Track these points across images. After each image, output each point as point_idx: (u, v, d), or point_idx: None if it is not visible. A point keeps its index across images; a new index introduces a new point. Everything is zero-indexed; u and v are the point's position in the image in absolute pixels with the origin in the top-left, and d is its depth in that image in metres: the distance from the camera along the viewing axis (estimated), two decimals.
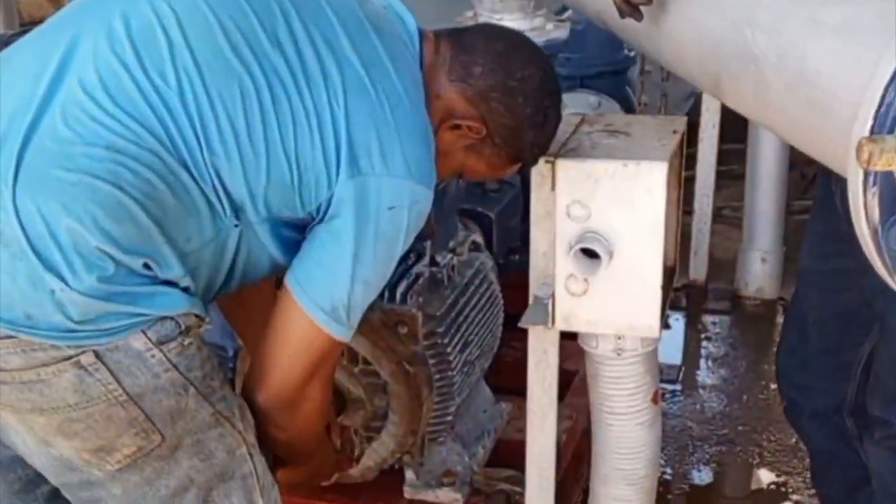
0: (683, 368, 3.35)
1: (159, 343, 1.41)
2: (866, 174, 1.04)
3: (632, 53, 3.71)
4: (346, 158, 1.46)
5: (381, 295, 2.14)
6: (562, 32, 3.07)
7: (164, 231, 1.39)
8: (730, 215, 4.23)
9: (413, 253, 2.28)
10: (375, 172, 1.47)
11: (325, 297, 1.51)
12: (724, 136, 3.65)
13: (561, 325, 1.88)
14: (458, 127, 1.62)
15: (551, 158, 1.79)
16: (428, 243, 2.30)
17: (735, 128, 3.46)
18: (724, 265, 3.93)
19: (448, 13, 3.24)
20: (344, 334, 1.55)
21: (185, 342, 1.44)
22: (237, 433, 1.51)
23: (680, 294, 3.72)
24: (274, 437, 1.62)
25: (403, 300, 2.14)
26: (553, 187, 1.80)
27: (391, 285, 2.14)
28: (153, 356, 1.41)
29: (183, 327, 1.44)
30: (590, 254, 1.80)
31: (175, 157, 1.39)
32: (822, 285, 2.03)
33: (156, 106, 1.38)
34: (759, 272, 3.72)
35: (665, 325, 1.95)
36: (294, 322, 1.52)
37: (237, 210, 1.47)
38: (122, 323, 1.38)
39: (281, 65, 1.45)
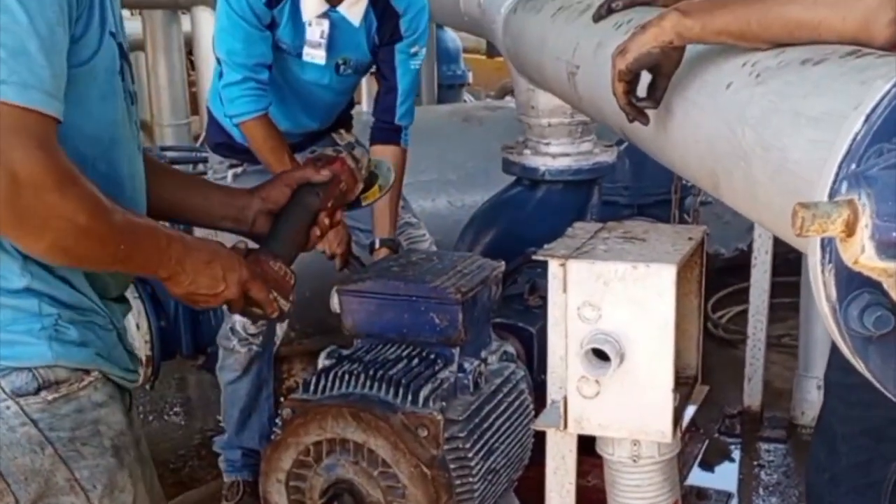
0: (735, 496, 3.27)
1: (16, 394, 1.32)
2: (823, 251, 1.05)
3: (690, 183, 3.75)
4: None
5: (404, 398, 2.17)
6: (609, 157, 3.13)
7: None
8: (789, 343, 4.16)
9: (440, 359, 2.30)
10: None
11: None
12: (783, 269, 3.64)
13: (574, 427, 1.87)
14: None
15: (564, 260, 1.81)
16: (457, 350, 2.32)
17: (792, 260, 3.46)
18: (784, 394, 3.86)
19: (501, 143, 3.34)
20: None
21: (50, 398, 1.33)
22: None
23: (735, 421, 3.67)
24: (41, 251, 1.32)
25: (426, 404, 2.15)
26: (565, 289, 1.81)
27: (415, 389, 2.16)
28: (8, 408, 1.32)
29: (42, 381, 1.33)
30: (601, 355, 1.80)
31: None
32: (849, 399, 2.00)
33: None
34: (816, 400, 3.63)
35: (726, 455, 1.92)
36: None
37: None
38: None
39: None
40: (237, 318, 3.02)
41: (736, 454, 3.60)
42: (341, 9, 2.77)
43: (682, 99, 1.61)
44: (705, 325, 4.24)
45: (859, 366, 1.09)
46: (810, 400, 3.64)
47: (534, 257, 1.92)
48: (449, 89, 7.75)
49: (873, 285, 1.02)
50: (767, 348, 3.72)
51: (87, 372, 1.37)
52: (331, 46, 2.79)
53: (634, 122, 1.73)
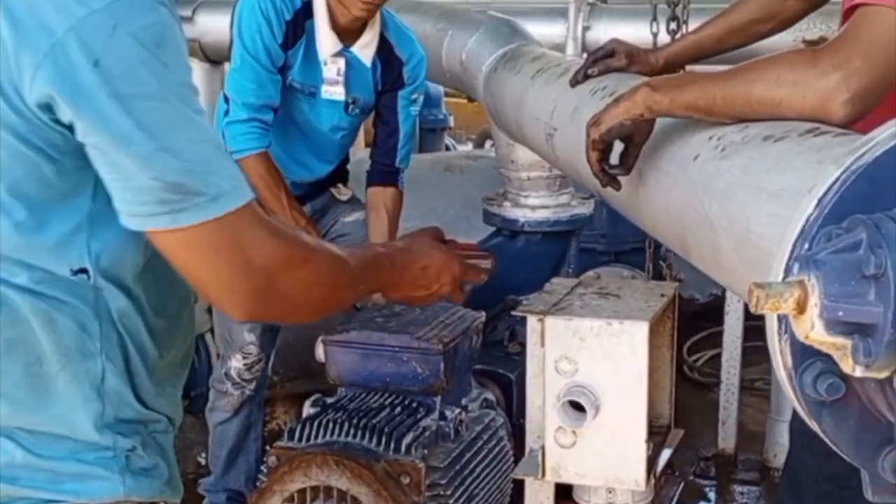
0: None
1: None
2: (779, 323, 1.13)
3: None
4: None
5: (387, 445, 2.24)
6: (586, 209, 3.23)
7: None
8: (762, 387, 4.25)
9: (422, 407, 2.38)
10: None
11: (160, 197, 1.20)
12: (756, 314, 3.71)
13: (551, 476, 1.95)
14: None
15: (542, 316, 1.90)
16: (438, 398, 2.40)
17: None
18: (758, 436, 3.94)
19: (481, 192, 3.44)
20: (219, 205, 1.22)
21: None
22: None
23: (710, 463, 3.75)
24: (306, 319, 1.43)
25: (408, 451, 2.23)
26: (542, 343, 1.90)
27: (398, 437, 2.23)
28: None
29: None
30: (578, 407, 1.89)
31: None
32: (812, 448, 2.07)
33: None
34: (787, 443, 3.72)
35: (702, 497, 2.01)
36: (179, 244, 1.24)
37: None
38: None
39: None
40: (233, 363, 3.11)
41: (711, 496, 3.67)
42: (354, 49, 2.89)
43: (652, 168, 1.71)
44: (681, 369, 4.34)
45: (814, 427, 1.18)
46: (782, 443, 3.71)
47: (513, 313, 2.01)
48: (430, 133, 7.84)
49: (826, 354, 1.11)
50: (741, 392, 3.80)
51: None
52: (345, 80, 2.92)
53: (611, 193, 1.83)
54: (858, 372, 0.99)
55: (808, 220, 1.12)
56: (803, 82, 1.47)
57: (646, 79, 2.00)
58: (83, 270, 1.26)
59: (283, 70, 2.86)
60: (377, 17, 2.88)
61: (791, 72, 1.50)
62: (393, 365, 2.42)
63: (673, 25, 3.01)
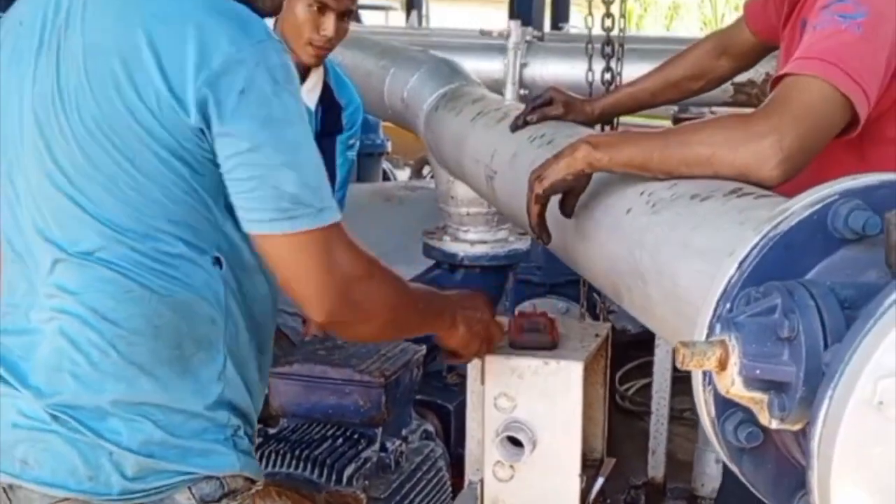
0: None
1: (203, 501, 1.51)
2: (703, 376, 1.24)
3: None
4: None
5: (328, 477, 2.31)
6: (523, 244, 3.33)
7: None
8: (690, 418, 4.38)
9: (364, 438, 2.46)
10: None
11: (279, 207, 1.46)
12: None
13: None
14: None
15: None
16: (379, 430, 2.48)
17: None
18: (686, 466, 4.06)
19: (421, 227, 3.52)
20: (323, 217, 1.48)
21: None
22: None
23: (640, 491, 3.86)
24: (371, 332, 1.70)
25: (350, 482, 2.31)
26: (483, 381, 1.99)
27: (339, 468, 2.31)
28: None
29: (227, 489, 1.53)
30: (515, 442, 1.98)
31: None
32: (739, 479, 2.18)
33: None
34: (715, 473, 3.85)
35: None
36: (287, 247, 1.49)
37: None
38: (171, 481, 1.50)
39: None
40: None
41: None
42: (304, 90, 2.93)
43: (588, 219, 1.81)
44: (613, 398, 4.45)
45: (735, 471, 1.28)
46: (710, 472, 3.85)
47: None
48: (368, 158, 7.91)
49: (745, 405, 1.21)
50: (670, 421, 3.93)
51: (254, 482, 1.58)
52: None
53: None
54: (774, 424, 1.08)
55: (729, 282, 1.22)
56: (736, 145, 1.57)
57: (584, 131, 2.11)
58: (218, 260, 1.53)
59: None
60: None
61: (725, 135, 1.60)
62: (335, 397, 2.49)
63: (607, 76, 3.13)
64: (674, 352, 1.14)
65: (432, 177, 7.91)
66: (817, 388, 1.01)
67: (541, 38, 4.06)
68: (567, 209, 1.83)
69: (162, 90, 1.41)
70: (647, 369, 4.60)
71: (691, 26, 16.35)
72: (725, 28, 2.23)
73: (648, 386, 4.29)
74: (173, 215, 1.48)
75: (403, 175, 8.90)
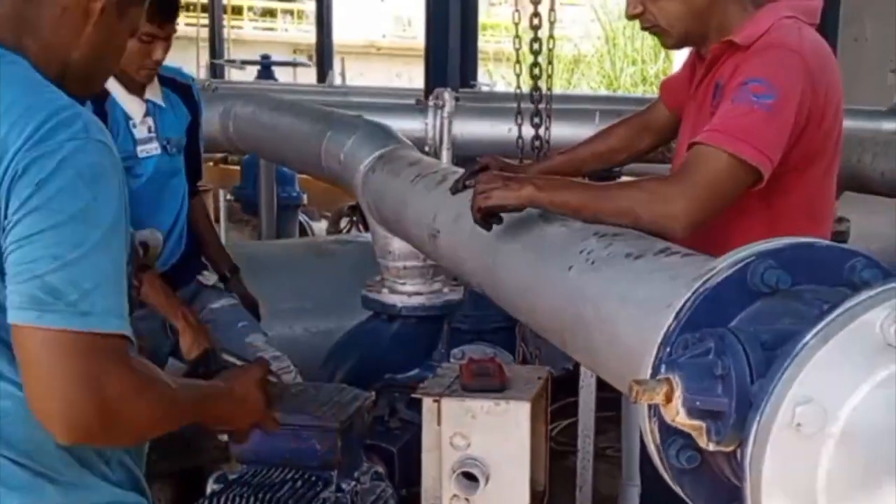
0: None
1: None
2: (650, 409, 1.46)
3: None
4: None
5: None
6: (457, 295, 3.56)
7: None
8: (612, 455, 4.63)
9: (320, 481, 2.64)
10: None
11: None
12: (606, 385, 4.08)
13: None
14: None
15: (438, 398, 2.20)
16: (335, 472, 2.66)
17: None
18: (611, 500, 4.28)
19: (360, 280, 3.73)
20: (86, 321, 1.39)
21: None
22: None
23: None
24: (131, 443, 1.58)
25: None
26: (439, 422, 2.20)
27: None
28: None
29: None
30: (470, 477, 2.19)
31: None
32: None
33: None
34: None
35: None
36: (37, 343, 1.39)
37: None
38: None
39: None
40: None
41: None
42: (149, 97, 3.15)
43: (532, 275, 2.04)
44: None
45: (679, 491, 1.51)
46: None
47: (413, 395, 2.30)
48: (285, 210, 8.09)
49: (684, 432, 1.44)
50: (594, 459, 4.16)
51: None
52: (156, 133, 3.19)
53: (493, 287, 2.16)
54: (711, 447, 1.31)
55: (668, 329, 1.46)
56: (652, 205, 1.91)
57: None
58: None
59: None
60: None
61: (643, 194, 1.93)
62: (293, 442, 2.67)
63: (537, 143, 3.39)
64: (629, 388, 1.37)
65: (349, 230, 8.16)
66: (746, 416, 1.25)
67: (457, 99, 4.33)
68: (500, 220, 2.08)
69: None
70: (567, 410, 4.84)
71: (591, 81, 16.88)
72: (645, 108, 2.54)
73: (570, 426, 4.53)
74: None
75: (320, 226, 9.06)
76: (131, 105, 3.11)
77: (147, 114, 3.14)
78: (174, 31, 3.02)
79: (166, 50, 3.01)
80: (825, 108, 2.08)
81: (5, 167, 1.40)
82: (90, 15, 1.54)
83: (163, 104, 3.19)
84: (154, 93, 3.18)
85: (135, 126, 3.12)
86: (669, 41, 2.25)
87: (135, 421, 1.45)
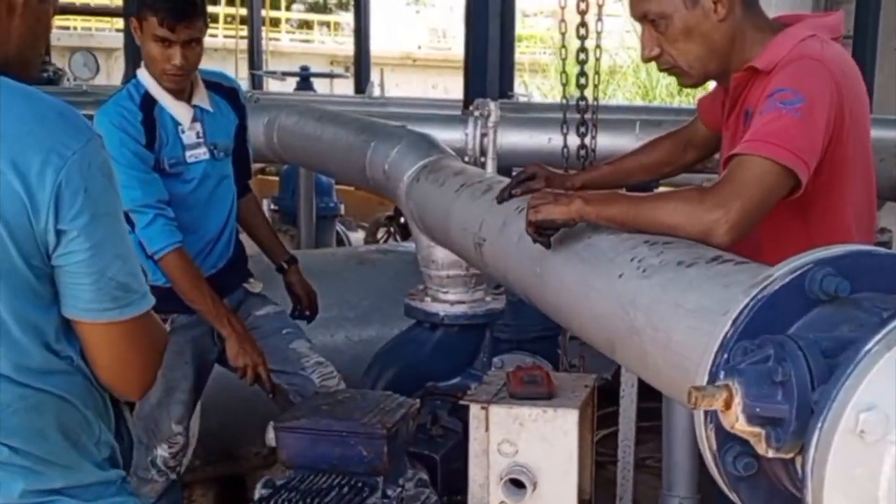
0: None
1: None
2: (706, 415, 1.47)
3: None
4: None
5: None
6: (499, 304, 3.57)
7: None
8: (652, 465, 4.62)
9: (367, 487, 2.66)
10: None
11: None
12: (647, 394, 4.09)
13: None
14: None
15: (486, 405, 2.21)
16: (381, 478, 2.68)
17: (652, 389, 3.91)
18: None
19: (401, 289, 3.75)
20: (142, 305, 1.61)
21: None
22: None
23: None
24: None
25: None
26: (487, 429, 2.22)
27: None
28: None
29: None
30: (518, 484, 2.20)
31: None
32: None
33: None
34: None
35: None
36: (119, 334, 1.60)
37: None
38: None
39: None
40: (160, 452, 3.29)
41: None
42: (196, 102, 3.20)
43: (581, 283, 2.05)
44: None
45: (734, 498, 1.51)
46: None
47: (461, 402, 2.32)
48: (322, 220, 8.13)
49: (740, 439, 1.45)
50: (634, 469, 4.16)
51: None
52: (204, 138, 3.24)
53: (541, 295, 2.18)
54: (771, 454, 1.32)
55: (725, 336, 1.46)
56: (694, 214, 1.92)
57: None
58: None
59: (156, 168, 3.12)
60: None
61: (686, 205, 1.95)
62: (340, 448, 2.69)
63: (582, 152, 3.40)
64: (687, 394, 1.37)
65: (386, 240, 8.19)
66: (807, 423, 1.25)
67: None
68: (546, 242, 2.11)
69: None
70: (606, 420, 4.84)
71: (627, 91, 16.86)
72: (689, 123, 2.55)
73: (609, 436, 4.53)
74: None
75: (356, 236, 9.10)
76: (179, 110, 3.15)
77: (195, 119, 3.19)
78: (194, 38, 3.05)
79: (188, 57, 3.05)
80: (853, 115, 2.09)
81: (49, 181, 1.49)
82: (14, 8, 1.61)
83: (210, 109, 3.24)
84: (201, 98, 3.23)
85: (183, 132, 3.17)
86: (689, 81, 2.25)
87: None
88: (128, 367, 1.63)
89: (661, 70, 2.27)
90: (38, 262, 1.52)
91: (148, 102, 3.12)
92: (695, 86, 2.32)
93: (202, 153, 3.21)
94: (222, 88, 3.34)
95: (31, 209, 1.48)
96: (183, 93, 3.17)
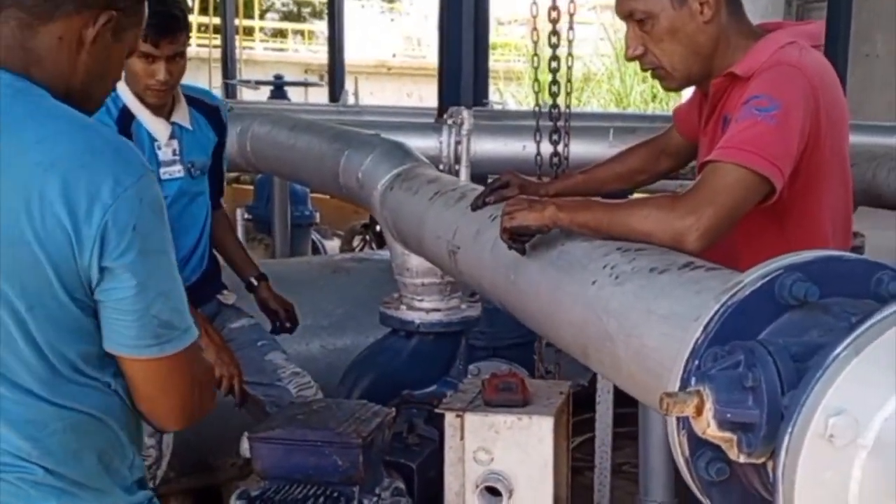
0: None
1: None
2: (678, 421, 1.48)
3: None
4: None
5: None
6: (474, 311, 3.57)
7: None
8: (629, 471, 4.63)
9: (342, 497, 2.65)
10: None
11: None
12: (623, 400, 4.10)
13: None
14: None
15: (461, 413, 2.21)
16: (356, 488, 2.68)
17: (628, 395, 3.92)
18: None
19: (376, 298, 3.74)
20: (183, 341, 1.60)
21: None
22: None
23: None
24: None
25: None
26: (462, 437, 2.22)
27: None
28: None
29: None
30: (493, 492, 2.20)
31: None
32: None
33: None
34: None
35: None
36: (161, 369, 1.59)
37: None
38: None
39: None
40: None
41: None
42: (175, 119, 3.18)
43: (555, 290, 2.06)
44: None
45: (707, 503, 1.52)
46: None
47: (436, 410, 2.32)
48: (298, 228, 8.12)
49: (713, 444, 1.45)
50: (611, 475, 4.16)
51: None
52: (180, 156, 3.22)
53: (515, 302, 2.18)
54: (742, 458, 1.32)
55: (696, 342, 1.47)
56: (666, 221, 1.94)
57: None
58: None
59: None
60: None
61: (658, 212, 1.96)
62: (315, 458, 2.68)
63: (556, 160, 3.41)
64: (659, 400, 1.38)
65: (362, 248, 8.18)
66: (778, 427, 1.26)
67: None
68: (521, 248, 2.13)
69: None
70: (583, 426, 4.85)
71: (601, 98, 16.92)
72: (664, 132, 2.56)
73: (586, 442, 4.53)
74: None
75: (332, 245, 9.08)
76: (156, 126, 3.13)
77: (172, 136, 3.17)
78: (178, 52, 3.02)
79: (172, 71, 3.01)
80: (830, 121, 2.11)
81: (97, 217, 1.48)
82: (84, 42, 1.60)
83: (189, 126, 3.21)
84: (182, 114, 3.21)
85: (160, 148, 3.15)
86: (672, 83, 2.26)
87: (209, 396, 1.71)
88: (166, 398, 1.63)
89: (643, 70, 2.28)
90: (81, 294, 1.52)
91: (126, 117, 3.10)
92: (677, 89, 2.33)
93: (177, 171, 3.19)
94: (205, 106, 3.31)
95: (75, 243, 1.48)
96: (163, 108, 3.15)
